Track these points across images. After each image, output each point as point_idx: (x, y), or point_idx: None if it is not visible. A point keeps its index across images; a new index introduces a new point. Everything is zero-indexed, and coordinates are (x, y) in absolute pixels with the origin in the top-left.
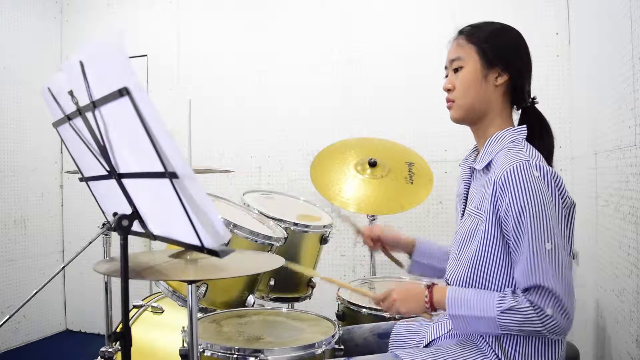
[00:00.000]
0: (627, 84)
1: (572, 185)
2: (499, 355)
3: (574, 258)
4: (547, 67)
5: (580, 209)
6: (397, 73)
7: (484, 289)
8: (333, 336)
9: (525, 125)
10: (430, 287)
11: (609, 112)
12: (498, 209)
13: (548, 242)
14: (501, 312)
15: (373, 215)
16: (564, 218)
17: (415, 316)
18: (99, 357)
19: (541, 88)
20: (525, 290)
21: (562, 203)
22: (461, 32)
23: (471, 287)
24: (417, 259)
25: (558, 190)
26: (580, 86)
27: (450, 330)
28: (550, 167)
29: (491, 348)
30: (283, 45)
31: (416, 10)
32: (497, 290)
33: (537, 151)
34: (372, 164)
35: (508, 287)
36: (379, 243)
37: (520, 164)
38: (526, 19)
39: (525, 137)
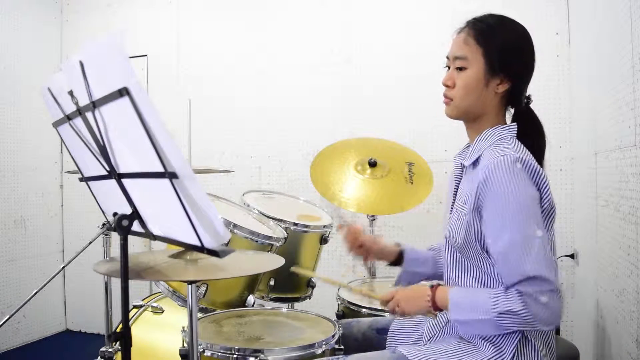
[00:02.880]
0: (627, 84)
1: (572, 185)
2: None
3: (573, 258)
4: (547, 67)
5: (580, 209)
6: (397, 73)
7: (481, 282)
8: (333, 336)
9: (515, 124)
10: (433, 287)
11: (609, 112)
12: (480, 204)
13: (538, 229)
14: (498, 314)
15: (373, 215)
16: (543, 218)
17: None
18: (99, 357)
19: (541, 88)
20: (518, 283)
21: (544, 202)
22: (469, 26)
23: (469, 283)
24: (408, 268)
25: (541, 187)
26: (580, 86)
27: (448, 323)
28: (538, 166)
29: (488, 343)
30: (283, 45)
31: (416, 10)
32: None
33: (525, 148)
34: (372, 164)
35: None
36: (361, 249)
37: (503, 158)
38: (526, 19)
39: (514, 135)
